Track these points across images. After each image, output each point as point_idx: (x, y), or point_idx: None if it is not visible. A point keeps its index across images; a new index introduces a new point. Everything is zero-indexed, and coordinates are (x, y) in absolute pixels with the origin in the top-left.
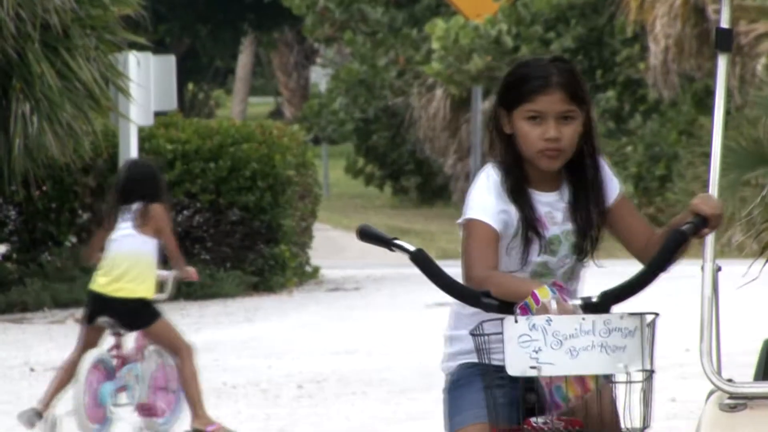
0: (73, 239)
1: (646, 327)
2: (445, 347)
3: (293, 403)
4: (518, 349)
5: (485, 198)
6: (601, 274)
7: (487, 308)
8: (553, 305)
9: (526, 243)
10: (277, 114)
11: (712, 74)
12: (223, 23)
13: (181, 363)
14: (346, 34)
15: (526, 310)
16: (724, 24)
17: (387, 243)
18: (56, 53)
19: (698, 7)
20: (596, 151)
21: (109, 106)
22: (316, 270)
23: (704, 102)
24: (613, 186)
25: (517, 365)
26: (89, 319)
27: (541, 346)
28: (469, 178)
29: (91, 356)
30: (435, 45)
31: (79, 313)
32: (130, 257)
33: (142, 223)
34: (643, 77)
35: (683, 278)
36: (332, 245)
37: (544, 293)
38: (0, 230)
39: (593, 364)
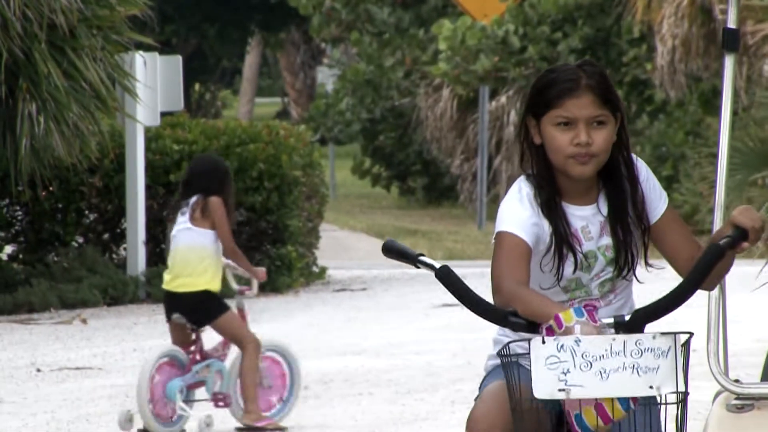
0: (80, 239)
1: (680, 347)
2: (491, 349)
3: (299, 404)
4: (546, 371)
5: (517, 210)
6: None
7: (514, 328)
8: (577, 329)
9: (560, 259)
10: (283, 114)
11: (719, 74)
12: (230, 24)
13: (244, 356)
14: (352, 34)
15: (552, 332)
16: (731, 24)
17: (412, 259)
18: (63, 53)
19: (705, 8)
20: (631, 161)
21: (115, 107)
22: (322, 270)
23: (711, 102)
24: (659, 200)
25: (544, 388)
26: (167, 317)
27: (570, 368)
28: (476, 178)
29: (159, 351)
30: (442, 45)
31: (86, 313)
32: (187, 251)
33: (199, 216)
34: (650, 77)
35: None
36: (339, 246)
37: (568, 317)
38: (6, 230)
39: (624, 386)
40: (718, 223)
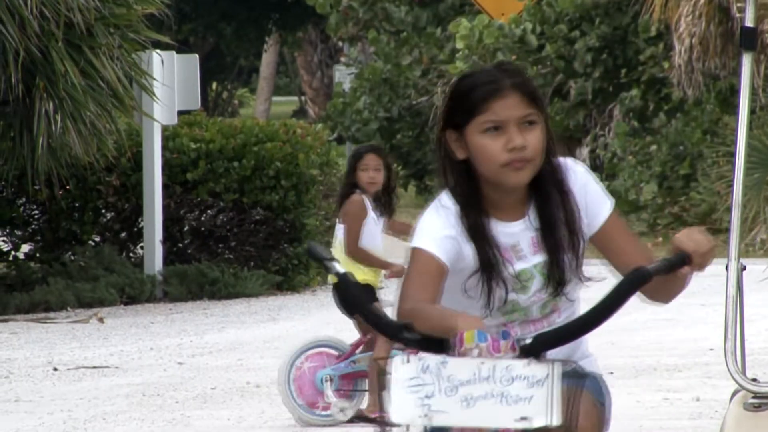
0: (97, 238)
1: (558, 376)
2: None
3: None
4: (407, 393)
5: (435, 225)
6: None
7: (407, 343)
8: (474, 354)
9: (488, 282)
10: (300, 113)
11: (736, 73)
12: (247, 22)
13: (377, 349)
14: (370, 33)
15: (460, 343)
16: (749, 23)
17: (322, 261)
18: (80, 52)
19: (723, 6)
20: (558, 166)
21: (132, 105)
22: None
23: (729, 101)
24: (601, 206)
25: (404, 412)
26: None
27: (434, 392)
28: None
29: (306, 341)
30: (459, 44)
31: (103, 312)
32: (335, 245)
33: (341, 212)
34: (668, 76)
35: (707, 277)
36: None
37: (470, 338)
38: (23, 229)
39: (490, 415)
40: (735, 222)
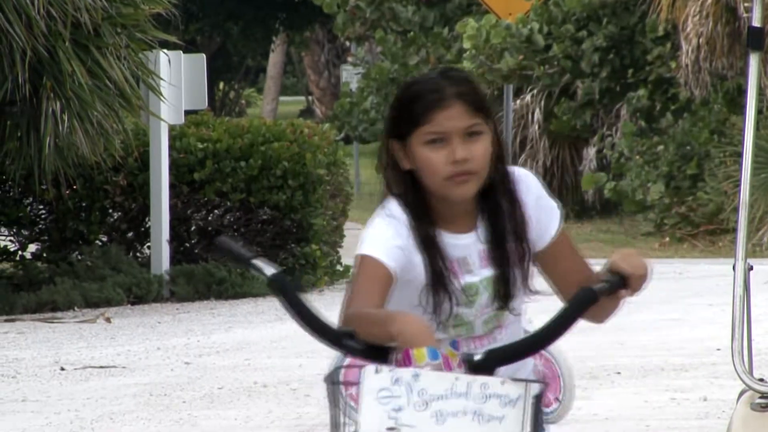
0: (104, 238)
1: (532, 397)
2: None
3: (324, 402)
4: (376, 405)
5: (382, 232)
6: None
7: (349, 352)
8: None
9: (435, 295)
10: (307, 113)
11: (743, 73)
12: (254, 22)
13: None
14: (377, 32)
15: (407, 362)
16: (756, 23)
17: (245, 262)
18: (87, 51)
19: (730, 6)
20: (508, 176)
21: (139, 105)
22: (347, 269)
23: (736, 101)
24: (551, 220)
25: (371, 424)
26: None
27: (403, 405)
28: None
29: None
30: (466, 44)
31: (110, 312)
32: None
33: None
34: (675, 76)
35: (714, 277)
36: None
37: (420, 356)
38: (30, 229)
39: None
40: (742, 222)
